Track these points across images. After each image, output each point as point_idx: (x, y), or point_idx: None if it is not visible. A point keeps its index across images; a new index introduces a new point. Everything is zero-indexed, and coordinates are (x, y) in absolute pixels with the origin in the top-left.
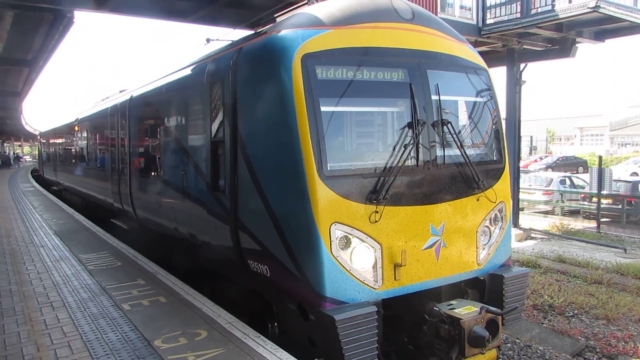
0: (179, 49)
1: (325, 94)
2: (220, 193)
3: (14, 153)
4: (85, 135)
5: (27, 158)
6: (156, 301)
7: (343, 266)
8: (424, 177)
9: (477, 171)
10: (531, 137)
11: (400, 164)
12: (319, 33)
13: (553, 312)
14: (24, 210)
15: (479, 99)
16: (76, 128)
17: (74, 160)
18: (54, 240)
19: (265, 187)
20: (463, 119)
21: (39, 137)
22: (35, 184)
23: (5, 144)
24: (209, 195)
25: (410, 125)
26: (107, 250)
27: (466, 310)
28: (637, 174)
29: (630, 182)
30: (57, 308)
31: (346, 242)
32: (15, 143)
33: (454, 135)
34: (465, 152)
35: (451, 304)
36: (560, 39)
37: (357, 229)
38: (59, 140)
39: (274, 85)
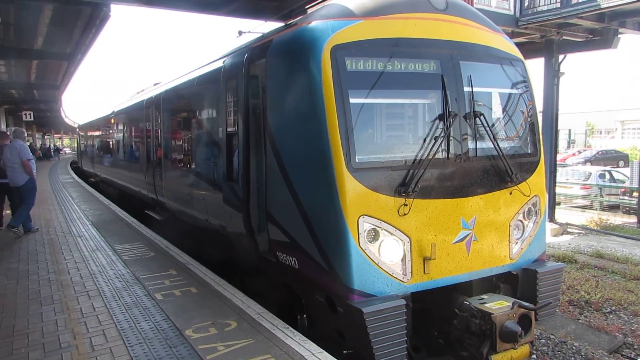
0: (212, 42)
1: (354, 85)
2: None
3: (54, 145)
4: (121, 127)
5: (67, 150)
6: (187, 291)
7: (371, 259)
8: (455, 170)
9: (511, 164)
10: (569, 130)
11: (430, 157)
12: (349, 24)
13: (590, 308)
14: (63, 201)
15: (513, 91)
16: (112, 121)
17: (110, 153)
18: (90, 231)
19: (294, 179)
20: (497, 111)
21: (77, 129)
22: (74, 176)
23: (45, 136)
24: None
25: (441, 117)
26: (140, 241)
27: (498, 305)
28: None
29: None
30: (93, 297)
31: (374, 235)
32: (55, 135)
33: (487, 128)
34: (498, 145)
35: (482, 299)
36: (602, 29)
37: (385, 222)
38: (96, 133)
39: (303, 76)
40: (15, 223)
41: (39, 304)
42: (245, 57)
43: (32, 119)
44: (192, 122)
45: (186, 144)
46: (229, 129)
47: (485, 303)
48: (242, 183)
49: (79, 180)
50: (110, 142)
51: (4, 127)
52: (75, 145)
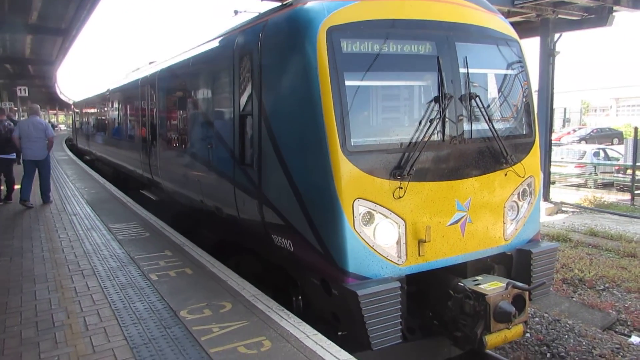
0: (208, 21)
1: (350, 68)
2: (248, 167)
3: (49, 121)
4: (116, 105)
5: (62, 127)
6: (182, 272)
7: (366, 242)
8: (450, 152)
9: (506, 145)
10: (565, 109)
11: (425, 139)
12: (345, 5)
13: (583, 286)
14: (58, 179)
15: (509, 72)
16: (108, 98)
17: (105, 131)
18: (85, 209)
19: (289, 161)
20: (492, 92)
21: (72, 106)
22: (69, 153)
23: (40, 113)
24: (236, 169)
25: (436, 99)
26: (136, 221)
27: (492, 286)
28: None
29: None
30: (87, 276)
31: (369, 218)
32: (50, 112)
33: (482, 109)
34: (493, 127)
35: (477, 280)
36: (597, 7)
37: (380, 205)
38: (92, 110)
39: (298, 58)
40: (47, 198)
41: (32, 282)
42: (240, 38)
43: (26, 94)
44: (193, 102)
45: (186, 125)
46: (243, 110)
47: (479, 284)
48: (257, 167)
49: (74, 157)
50: (106, 120)
51: None
52: (71, 122)
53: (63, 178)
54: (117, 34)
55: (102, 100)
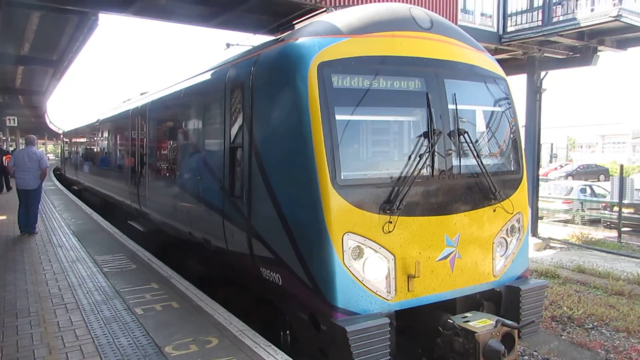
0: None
1: (340, 102)
2: (237, 199)
3: None
4: (106, 136)
5: (51, 156)
6: (169, 306)
7: (355, 277)
8: (439, 187)
9: (494, 181)
10: (552, 144)
11: (415, 174)
12: (336, 41)
13: (572, 323)
14: (44, 209)
15: (496, 109)
16: (97, 128)
17: (94, 160)
18: (71, 241)
19: (279, 194)
20: (481, 128)
21: (61, 136)
22: (57, 183)
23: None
24: (225, 201)
25: (426, 134)
26: (122, 252)
27: (481, 324)
28: None
29: None
30: (71, 310)
31: (359, 253)
32: (39, 141)
33: (471, 145)
34: (481, 162)
35: (466, 317)
36: (582, 47)
37: (370, 239)
38: (81, 140)
39: (289, 92)
40: (33, 229)
41: (14, 317)
42: (232, 71)
43: (16, 124)
44: (184, 133)
45: (176, 156)
46: (233, 142)
47: (468, 321)
48: (246, 199)
49: (62, 187)
50: (95, 150)
51: None
52: (60, 151)
53: (50, 208)
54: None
55: (92, 130)
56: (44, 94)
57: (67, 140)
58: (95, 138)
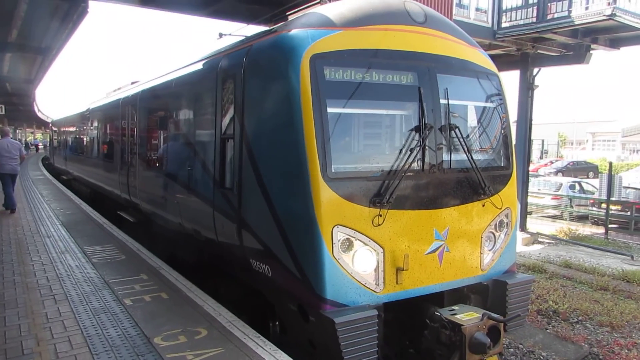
0: (192, 43)
1: (332, 95)
2: (228, 190)
3: (25, 140)
4: (96, 125)
5: (40, 146)
6: (158, 297)
7: (344, 269)
8: (429, 182)
9: (484, 177)
10: (542, 140)
11: (405, 168)
12: (329, 34)
13: (557, 318)
14: (33, 199)
15: (488, 104)
16: (87, 117)
17: (83, 150)
18: (60, 231)
19: (269, 186)
20: (472, 123)
21: (50, 125)
22: (46, 173)
23: (17, 131)
24: (216, 192)
25: (417, 128)
26: (112, 243)
27: (468, 317)
28: None
29: (639, 189)
30: (60, 301)
31: (348, 245)
32: (27, 130)
33: (461, 140)
34: (472, 157)
35: (453, 309)
36: (575, 45)
37: (359, 232)
38: (70, 129)
39: (281, 84)
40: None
41: (2, 307)
42: (225, 61)
43: (3, 112)
44: (174, 123)
45: (166, 146)
46: (224, 133)
47: (455, 314)
48: (236, 191)
49: (50, 177)
50: (85, 140)
51: None
52: (48, 140)
53: (38, 198)
54: (100, 53)
55: (82, 119)
56: (33, 82)
57: (56, 129)
58: (85, 127)
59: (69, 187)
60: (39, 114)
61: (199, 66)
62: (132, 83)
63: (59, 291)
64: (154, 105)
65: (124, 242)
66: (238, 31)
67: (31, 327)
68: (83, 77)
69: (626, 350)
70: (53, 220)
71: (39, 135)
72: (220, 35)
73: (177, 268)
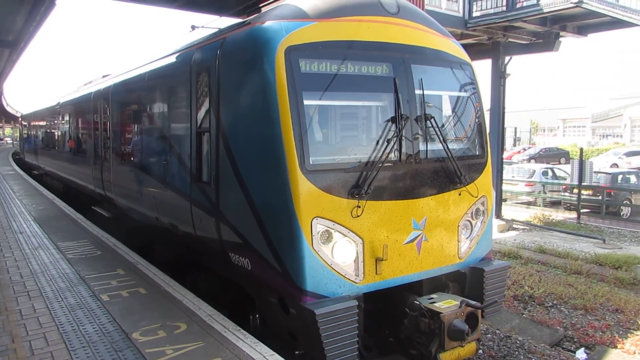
0: (164, 35)
1: (308, 87)
2: (205, 184)
3: None
4: (67, 119)
5: (8, 140)
6: (136, 292)
7: (324, 260)
8: (406, 172)
9: (459, 166)
10: (515, 128)
11: (383, 159)
12: (303, 25)
13: (533, 302)
14: (3, 194)
15: (462, 94)
16: (58, 112)
17: (55, 145)
18: (33, 227)
19: (247, 180)
20: (447, 113)
21: (20, 119)
22: (16, 168)
23: None
24: (193, 186)
25: (393, 119)
26: (87, 239)
27: (446, 304)
28: (617, 166)
29: (609, 173)
30: (34, 298)
31: (327, 237)
32: None
33: (437, 130)
34: (447, 147)
35: (432, 298)
36: (545, 32)
37: (338, 224)
38: (41, 124)
39: (256, 77)
40: None
41: None
42: (198, 54)
43: None
44: (149, 117)
45: (141, 140)
46: (200, 127)
47: (434, 302)
48: (214, 185)
49: (21, 172)
50: (56, 134)
51: None
52: (18, 135)
53: (9, 194)
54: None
55: (53, 113)
56: (0, 76)
57: (25, 123)
58: (56, 121)
59: (40, 182)
60: (8, 108)
61: (172, 59)
62: (104, 76)
63: (34, 287)
64: (127, 99)
65: (100, 237)
66: (210, 23)
67: (5, 324)
68: (53, 71)
69: (600, 333)
70: (25, 216)
71: (8, 130)
72: (193, 27)
73: (154, 263)
